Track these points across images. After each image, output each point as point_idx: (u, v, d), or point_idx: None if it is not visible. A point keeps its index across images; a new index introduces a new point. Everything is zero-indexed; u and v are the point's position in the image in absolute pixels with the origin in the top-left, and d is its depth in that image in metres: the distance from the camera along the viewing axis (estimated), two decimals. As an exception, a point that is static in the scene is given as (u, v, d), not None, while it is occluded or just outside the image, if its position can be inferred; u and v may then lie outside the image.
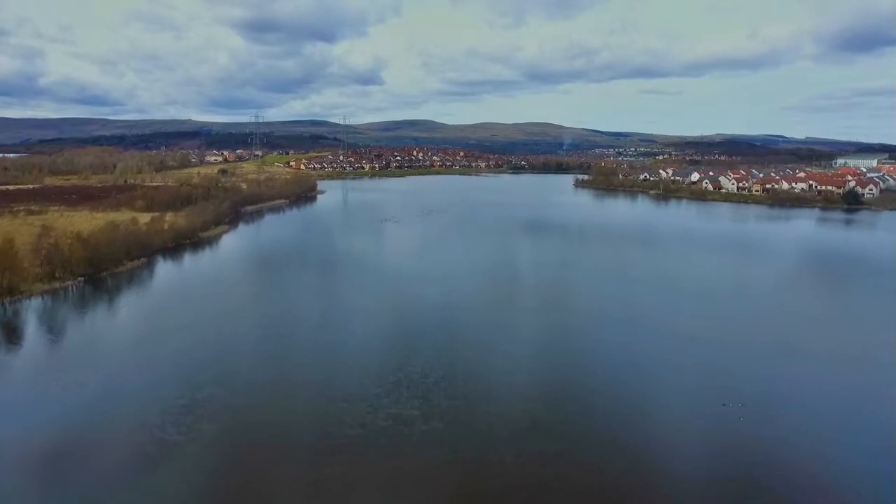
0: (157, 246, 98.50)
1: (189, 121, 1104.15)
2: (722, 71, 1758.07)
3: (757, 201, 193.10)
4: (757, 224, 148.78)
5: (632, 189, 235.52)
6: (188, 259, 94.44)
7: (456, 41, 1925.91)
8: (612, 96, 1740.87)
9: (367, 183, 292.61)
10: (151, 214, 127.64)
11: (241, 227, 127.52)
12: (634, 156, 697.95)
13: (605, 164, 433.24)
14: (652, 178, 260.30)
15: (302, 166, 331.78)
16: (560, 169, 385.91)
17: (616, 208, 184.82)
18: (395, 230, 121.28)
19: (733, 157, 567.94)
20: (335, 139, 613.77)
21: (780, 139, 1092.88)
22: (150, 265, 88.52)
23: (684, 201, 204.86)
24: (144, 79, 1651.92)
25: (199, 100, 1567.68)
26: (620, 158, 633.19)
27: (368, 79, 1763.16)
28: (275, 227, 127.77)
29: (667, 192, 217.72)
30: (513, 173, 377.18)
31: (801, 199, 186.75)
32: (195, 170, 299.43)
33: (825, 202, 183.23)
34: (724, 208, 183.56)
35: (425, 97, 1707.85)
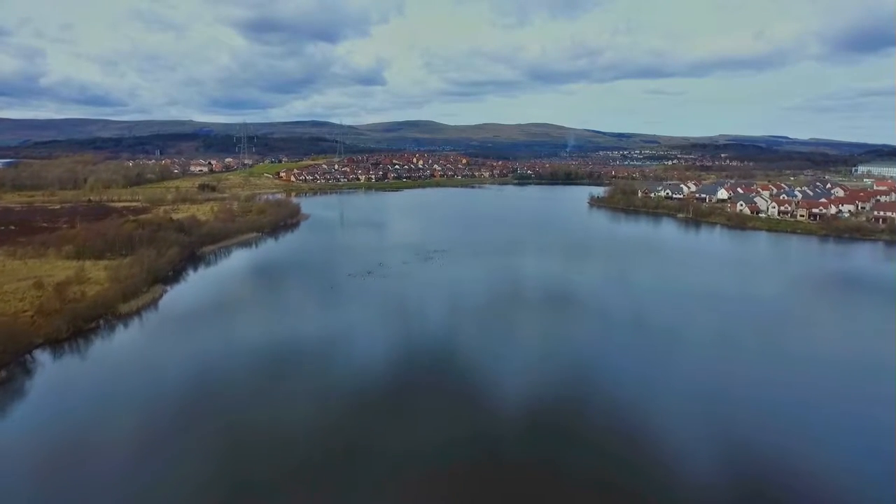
0: (42, 338, 68.83)
1: (190, 121, 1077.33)
2: (726, 71, 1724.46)
3: (807, 230, 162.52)
4: (844, 265, 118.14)
5: (655, 210, 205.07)
6: (82, 363, 64.59)
7: (458, 41, 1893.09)
8: (614, 97, 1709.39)
9: (360, 199, 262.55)
10: (72, 266, 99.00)
11: (186, 286, 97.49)
12: (641, 159, 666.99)
13: (615, 172, 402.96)
14: (675, 196, 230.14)
15: (292, 178, 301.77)
16: (568, 179, 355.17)
17: (646, 240, 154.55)
18: (381, 298, 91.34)
19: (745, 162, 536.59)
20: (335, 141, 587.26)
21: (784, 140, 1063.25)
22: (14, 380, 58.71)
23: (717, 227, 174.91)
24: (146, 79, 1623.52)
25: (201, 100, 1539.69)
26: (627, 163, 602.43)
27: (370, 79, 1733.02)
28: (225, 288, 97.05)
29: (697, 216, 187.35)
30: (518, 184, 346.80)
31: (861, 230, 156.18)
32: (174, 183, 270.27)
33: (891, 234, 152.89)
34: (773, 240, 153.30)
35: (427, 97, 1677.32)
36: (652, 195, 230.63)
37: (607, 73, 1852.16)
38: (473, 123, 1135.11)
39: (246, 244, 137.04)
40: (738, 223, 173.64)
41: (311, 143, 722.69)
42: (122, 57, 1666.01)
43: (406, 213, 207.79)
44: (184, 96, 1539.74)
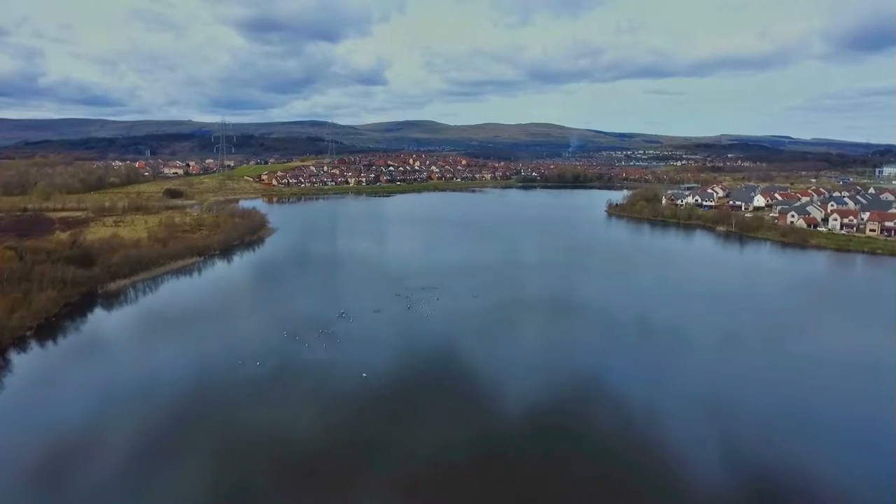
0: None
1: (189, 122, 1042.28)
2: (728, 71, 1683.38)
3: (888, 250, 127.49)
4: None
5: (688, 222, 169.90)
6: None
7: (460, 41, 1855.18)
8: (616, 96, 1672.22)
9: (345, 206, 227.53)
10: None
11: (35, 359, 62.78)
12: (646, 160, 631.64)
13: (625, 174, 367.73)
14: (706, 203, 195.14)
15: (274, 182, 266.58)
16: (577, 182, 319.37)
17: (698, 266, 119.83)
18: (318, 398, 56.77)
19: (758, 163, 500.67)
20: (333, 142, 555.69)
21: (787, 140, 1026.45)
22: None
23: (768, 244, 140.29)
24: (145, 79, 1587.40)
25: (201, 100, 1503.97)
26: (633, 164, 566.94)
27: (371, 79, 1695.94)
28: (86, 367, 60.97)
29: (742, 230, 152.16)
30: (522, 187, 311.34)
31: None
32: (140, 188, 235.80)
33: None
34: (859, 265, 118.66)
35: (428, 97, 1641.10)
36: (679, 202, 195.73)
37: (609, 72, 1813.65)
38: (474, 123, 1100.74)
39: (179, 274, 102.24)
40: (798, 240, 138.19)
41: (308, 143, 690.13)
42: (121, 57, 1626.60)
43: (395, 224, 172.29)
44: (184, 96, 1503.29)
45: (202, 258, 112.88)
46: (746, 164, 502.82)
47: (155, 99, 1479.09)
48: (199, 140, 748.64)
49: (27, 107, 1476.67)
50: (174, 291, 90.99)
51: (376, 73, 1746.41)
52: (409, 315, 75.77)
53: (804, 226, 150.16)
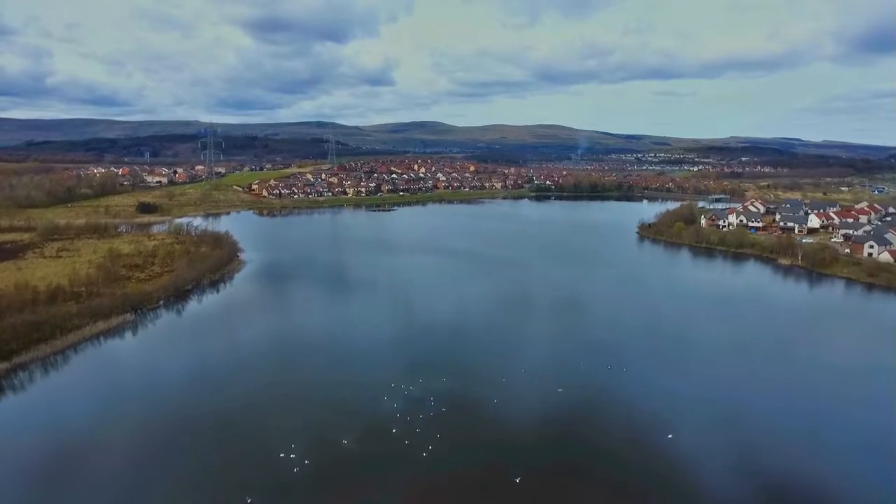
0: None
1: (196, 122, 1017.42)
2: (738, 72, 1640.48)
3: None
4: None
5: (739, 250, 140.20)
6: None
7: (467, 41, 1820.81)
8: (623, 98, 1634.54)
9: (342, 224, 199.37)
10: None
11: None
12: (657, 163, 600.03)
13: (646, 182, 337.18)
14: (752, 224, 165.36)
15: (265, 192, 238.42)
16: (595, 192, 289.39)
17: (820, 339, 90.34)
18: None
19: (778, 169, 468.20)
20: (338, 143, 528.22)
21: (797, 142, 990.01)
22: None
23: (845, 282, 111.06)
24: (152, 79, 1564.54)
25: (208, 101, 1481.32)
26: (646, 168, 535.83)
27: (378, 79, 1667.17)
28: None
29: (813, 266, 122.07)
30: (535, 198, 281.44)
31: None
32: (109, 201, 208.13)
33: None
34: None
35: (435, 98, 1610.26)
36: (722, 223, 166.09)
37: (617, 73, 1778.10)
38: (481, 125, 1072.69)
39: (96, 341, 74.16)
40: (892, 282, 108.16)
41: (313, 145, 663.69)
42: (128, 57, 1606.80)
43: (392, 257, 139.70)
44: (190, 96, 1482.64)
45: (136, 314, 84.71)
46: (766, 169, 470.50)
47: (162, 99, 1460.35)
48: (202, 141, 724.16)
49: (35, 107, 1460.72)
50: (64, 385, 62.59)
51: (383, 73, 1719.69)
52: (395, 454, 47.07)
53: (890, 260, 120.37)
